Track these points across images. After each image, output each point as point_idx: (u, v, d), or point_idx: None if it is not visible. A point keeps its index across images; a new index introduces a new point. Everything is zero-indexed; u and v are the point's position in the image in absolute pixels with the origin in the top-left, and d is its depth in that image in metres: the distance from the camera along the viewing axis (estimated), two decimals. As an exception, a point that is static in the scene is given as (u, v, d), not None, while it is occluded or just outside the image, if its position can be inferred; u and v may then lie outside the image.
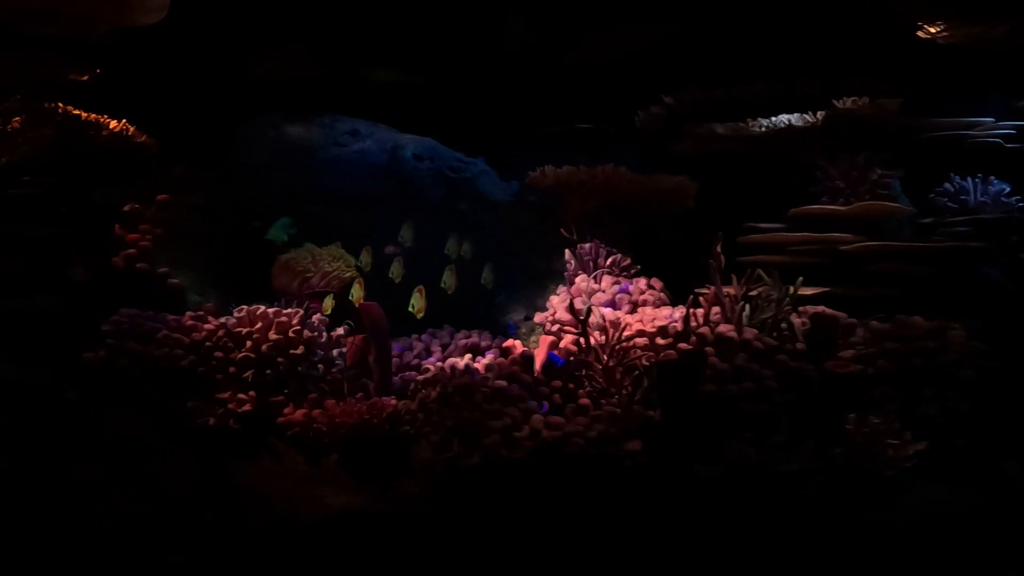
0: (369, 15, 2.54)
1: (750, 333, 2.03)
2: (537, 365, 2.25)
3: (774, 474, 1.77)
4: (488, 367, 2.27)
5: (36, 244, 2.62)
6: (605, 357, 2.18)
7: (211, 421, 2.39)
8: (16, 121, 2.44)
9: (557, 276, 2.89)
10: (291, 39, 2.50)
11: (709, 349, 2.03)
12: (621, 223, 2.78)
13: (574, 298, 2.63)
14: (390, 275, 2.82)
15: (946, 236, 2.30)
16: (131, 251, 2.68)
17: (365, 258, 2.81)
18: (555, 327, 2.63)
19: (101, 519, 2.32)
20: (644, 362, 2.16)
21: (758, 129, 2.40)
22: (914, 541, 1.75)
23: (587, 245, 2.72)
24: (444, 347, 2.72)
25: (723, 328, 2.08)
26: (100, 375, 2.51)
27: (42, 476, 2.36)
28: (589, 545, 1.91)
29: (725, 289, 2.16)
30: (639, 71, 2.92)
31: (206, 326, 2.57)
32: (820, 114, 2.32)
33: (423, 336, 2.81)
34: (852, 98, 2.27)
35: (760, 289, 2.16)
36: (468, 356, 2.45)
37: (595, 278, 2.64)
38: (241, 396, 2.43)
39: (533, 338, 2.81)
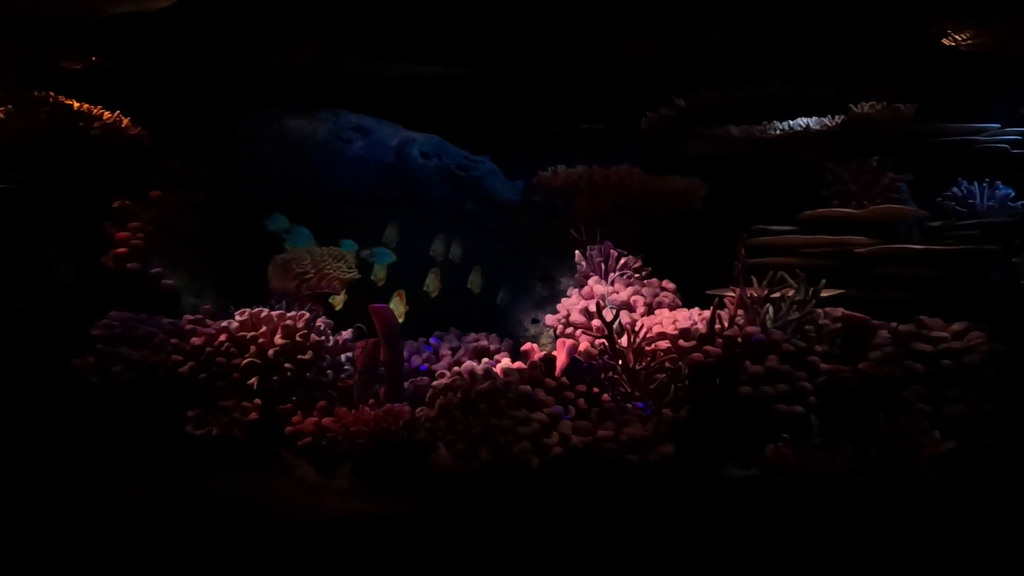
0: (377, 7, 2.45)
1: (779, 335, 2.03)
2: (558, 369, 2.21)
3: (814, 475, 1.77)
4: (507, 371, 2.22)
5: (16, 242, 2.44)
6: (628, 360, 2.15)
7: (214, 431, 2.27)
8: (0, 111, 2.27)
9: (564, 278, 2.85)
10: (303, 29, 2.39)
11: (728, 352, 2.02)
12: (629, 224, 2.76)
13: (587, 301, 2.60)
14: (469, 286, 2.74)
15: (954, 239, 2.35)
16: (121, 250, 2.53)
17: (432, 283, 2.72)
18: (569, 329, 2.60)
19: (91, 533, 2.18)
20: (669, 364, 2.14)
21: (774, 132, 2.42)
22: (947, 539, 1.77)
23: (597, 246, 2.69)
24: (453, 351, 2.65)
25: (751, 330, 2.07)
26: (89, 382, 2.37)
27: (28, 486, 2.21)
28: (622, 551, 1.87)
29: (748, 291, 2.16)
30: (641, 73, 2.91)
31: (206, 330, 2.45)
32: (838, 118, 2.34)
33: (431, 339, 2.73)
34: (870, 103, 2.31)
35: (782, 291, 2.17)
36: (486, 360, 2.39)
37: (608, 280, 2.61)
38: (246, 404, 2.32)
39: (543, 340, 2.77)
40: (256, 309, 2.46)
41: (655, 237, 2.86)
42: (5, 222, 2.45)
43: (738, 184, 2.77)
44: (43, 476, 2.19)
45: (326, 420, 2.27)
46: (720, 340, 2.10)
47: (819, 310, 2.13)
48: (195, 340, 2.41)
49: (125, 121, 2.46)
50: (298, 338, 2.38)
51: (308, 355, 2.35)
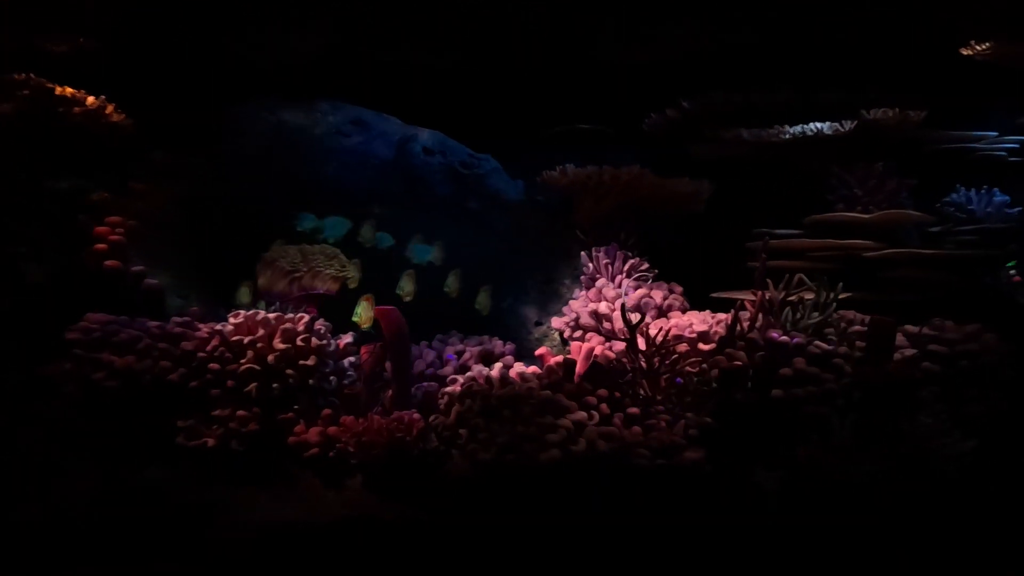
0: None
1: (802, 338, 2.03)
2: (577, 373, 2.15)
3: (846, 476, 1.77)
4: (525, 377, 2.15)
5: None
6: (650, 364, 2.12)
7: (210, 442, 2.11)
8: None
9: (567, 280, 2.80)
10: (298, 15, 2.25)
11: (760, 355, 2.01)
12: (632, 226, 2.73)
13: (596, 303, 2.55)
14: (445, 289, 2.62)
15: (954, 244, 2.41)
16: (100, 246, 2.33)
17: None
18: (578, 333, 2.55)
19: (80, 550, 1.99)
20: (691, 369, 2.11)
21: (786, 136, 2.42)
22: (951, 539, 1.79)
23: (603, 248, 2.64)
24: (458, 354, 2.55)
25: (774, 334, 2.06)
26: (64, 391, 2.17)
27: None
28: (655, 554, 1.82)
29: (764, 294, 2.15)
30: (641, 75, 2.89)
31: (197, 334, 2.28)
32: (850, 123, 2.37)
33: (433, 343, 2.63)
34: (882, 109, 2.35)
35: (799, 294, 2.17)
36: (499, 365, 2.31)
37: (616, 283, 2.57)
38: (243, 413, 2.16)
39: (547, 343, 2.70)
40: (251, 311, 2.31)
41: (656, 239, 2.84)
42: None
43: (739, 187, 2.78)
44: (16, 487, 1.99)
45: (332, 429, 2.15)
46: (742, 344, 2.09)
47: (837, 313, 2.14)
48: (186, 345, 2.24)
49: (110, 107, 2.26)
50: (299, 342, 2.24)
51: (311, 360, 2.21)
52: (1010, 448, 1.87)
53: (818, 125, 2.39)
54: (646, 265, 2.62)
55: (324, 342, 2.31)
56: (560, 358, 2.23)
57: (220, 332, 2.25)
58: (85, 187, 2.30)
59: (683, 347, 2.21)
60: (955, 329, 2.08)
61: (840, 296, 2.36)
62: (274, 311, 2.41)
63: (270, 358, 2.20)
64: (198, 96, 2.44)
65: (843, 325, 2.11)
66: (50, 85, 2.17)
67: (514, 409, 1.97)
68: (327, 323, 2.41)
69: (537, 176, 2.85)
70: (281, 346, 2.23)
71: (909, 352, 2.00)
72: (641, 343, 2.16)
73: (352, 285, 2.56)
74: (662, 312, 2.47)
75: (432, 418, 2.10)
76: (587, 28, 2.71)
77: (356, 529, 1.93)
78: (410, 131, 2.65)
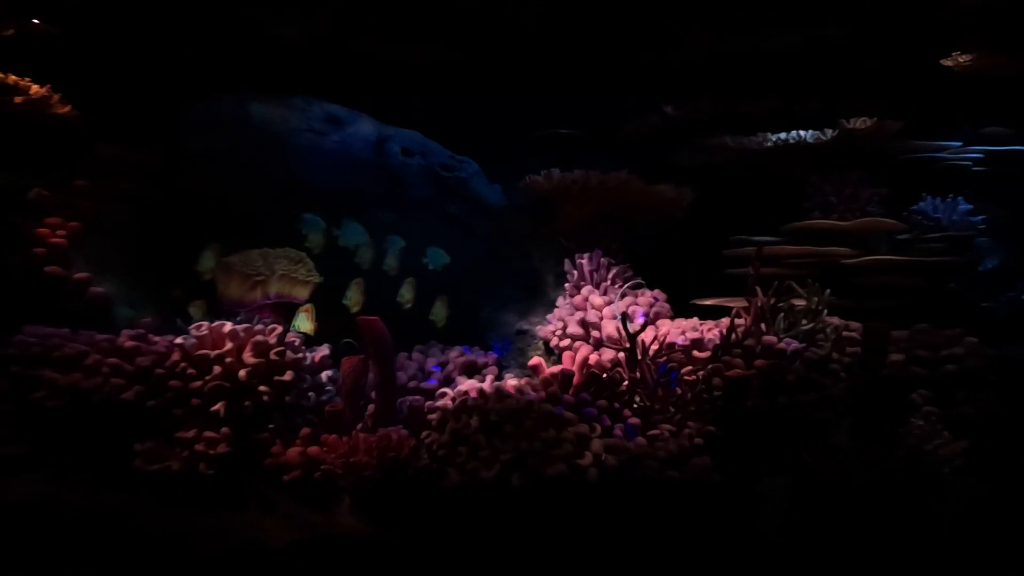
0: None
1: (797, 344, 2.04)
2: (574, 384, 2.08)
3: (848, 479, 1.78)
4: (521, 389, 2.05)
5: None
6: (650, 373, 2.07)
7: (174, 466, 1.90)
8: None
9: (547, 287, 2.72)
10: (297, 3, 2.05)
11: (760, 363, 2.00)
12: (613, 232, 2.69)
13: (584, 312, 2.48)
14: (399, 299, 2.47)
15: (922, 252, 2.50)
16: (39, 250, 2.06)
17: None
18: (566, 341, 2.47)
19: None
20: (690, 377, 2.08)
21: (768, 144, 2.45)
22: (952, 538, 1.83)
23: (587, 255, 2.59)
24: (442, 365, 2.42)
25: (769, 339, 2.06)
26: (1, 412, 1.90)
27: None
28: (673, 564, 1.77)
29: (758, 301, 2.15)
30: (620, 80, 2.87)
31: (154, 348, 2.05)
32: (831, 132, 2.42)
33: (413, 354, 2.48)
34: (861, 118, 2.41)
35: (791, 300, 2.18)
36: (491, 378, 2.20)
37: (601, 290, 2.52)
38: (211, 434, 1.96)
39: (530, 352, 2.61)
40: (216, 323, 2.11)
41: (634, 246, 2.81)
42: None
43: (715, 193, 2.79)
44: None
45: (313, 450, 1.98)
46: (737, 351, 2.07)
47: (828, 319, 2.16)
48: (141, 360, 2.01)
49: (55, 97, 2.00)
50: (273, 356, 2.06)
51: (287, 376, 2.03)
52: (1001, 448, 1.93)
53: (801, 133, 2.43)
54: (629, 272, 2.58)
55: (300, 355, 2.13)
56: (556, 368, 2.16)
57: (181, 346, 2.04)
58: (22, 184, 2.03)
59: (678, 355, 2.18)
60: (943, 334, 2.14)
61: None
62: (240, 322, 2.22)
63: (241, 374, 2.00)
64: (158, 86, 2.21)
65: (829, 331, 2.13)
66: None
67: (516, 424, 1.87)
68: (298, 334, 2.24)
69: (517, 180, 2.77)
70: (253, 360, 2.03)
71: (897, 357, 2.05)
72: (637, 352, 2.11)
73: (354, 308, 2.39)
74: (649, 320, 2.43)
75: (424, 435, 1.96)
76: (570, 33, 2.67)
77: (351, 556, 1.77)
78: (386, 130, 2.51)
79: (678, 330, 2.29)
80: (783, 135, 2.44)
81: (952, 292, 2.48)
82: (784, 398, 1.90)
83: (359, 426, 2.09)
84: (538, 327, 2.55)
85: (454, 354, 2.47)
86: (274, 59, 2.35)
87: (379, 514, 1.84)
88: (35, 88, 1.96)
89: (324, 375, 2.20)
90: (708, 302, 2.58)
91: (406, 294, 2.58)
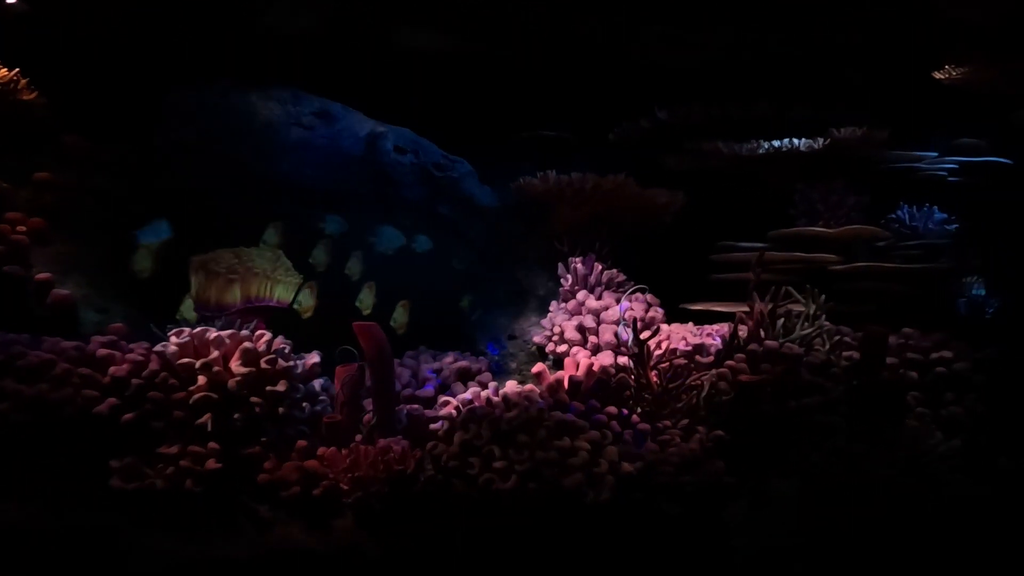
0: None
1: (799, 349, 2.06)
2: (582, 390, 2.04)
3: (862, 478, 1.81)
4: (528, 397, 1.99)
5: None
6: (659, 379, 2.05)
7: (158, 484, 1.73)
8: None
9: (538, 290, 2.67)
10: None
11: (766, 367, 2.01)
12: (606, 236, 2.66)
13: (580, 317, 2.44)
14: (357, 304, 2.35)
15: (900, 259, 2.59)
16: (-5, 249, 1.85)
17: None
18: (563, 347, 2.42)
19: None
20: (696, 381, 2.07)
21: (761, 151, 2.48)
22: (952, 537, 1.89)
23: (581, 259, 2.55)
24: (436, 372, 2.32)
25: (771, 344, 2.07)
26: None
27: None
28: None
29: (760, 306, 2.16)
30: (607, 84, 2.86)
31: (130, 356, 1.88)
32: (822, 140, 2.47)
33: (404, 360, 2.37)
34: (851, 128, 2.47)
35: (789, 305, 2.21)
36: (493, 385, 2.12)
37: (597, 295, 2.49)
38: (196, 449, 1.80)
39: (521, 357, 2.55)
40: (199, 328, 1.95)
41: (622, 250, 2.80)
42: None
43: (702, 199, 2.80)
44: None
45: (311, 464, 1.85)
46: (741, 356, 2.08)
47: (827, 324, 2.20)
48: (116, 370, 1.84)
49: (23, 82, 1.79)
50: (263, 364, 1.92)
51: (281, 386, 1.90)
52: (991, 447, 2.00)
53: (795, 141, 2.47)
54: (622, 276, 2.56)
55: (291, 363, 2.00)
56: (561, 374, 2.10)
57: (161, 354, 1.87)
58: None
59: (681, 360, 2.17)
60: (930, 337, 2.21)
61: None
62: (222, 327, 2.06)
63: (231, 384, 1.85)
64: (134, 74, 2.01)
65: (825, 335, 2.16)
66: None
67: (530, 433, 1.81)
68: (286, 340, 2.10)
69: (500, 182, 2.71)
70: (243, 370, 1.89)
71: (893, 360, 2.10)
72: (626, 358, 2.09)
73: (366, 312, 2.26)
74: (646, 325, 2.42)
75: (430, 446, 1.87)
76: (558, 35, 2.63)
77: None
78: (378, 127, 2.39)
79: (678, 335, 2.28)
80: (776, 143, 2.48)
81: (930, 297, 2.57)
82: (794, 402, 1.91)
83: (358, 438, 1.98)
84: (532, 332, 2.50)
85: (448, 360, 2.39)
86: (261, 51, 2.20)
87: (388, 530, 1.74)
88: (2, 71, 1.75)
89: (317, 384, 2.07)
90: (697, 307, 2.59)
91: (366, 299, 2.47)
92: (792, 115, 2.59)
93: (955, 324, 2.48)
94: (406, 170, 2.38)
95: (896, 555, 1.77)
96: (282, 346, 2.02)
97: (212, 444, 1.81)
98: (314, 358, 2.12)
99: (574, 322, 2.40)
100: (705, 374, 2.06)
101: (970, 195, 2.65)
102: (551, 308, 2.52)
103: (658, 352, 2.14)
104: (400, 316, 2.53)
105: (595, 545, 1.75)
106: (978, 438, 2.02)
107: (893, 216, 2.68)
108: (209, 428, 1.82)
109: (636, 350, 2.04)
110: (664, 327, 2.38)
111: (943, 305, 2.53)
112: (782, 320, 2.17)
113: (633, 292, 2.42)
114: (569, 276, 2.51)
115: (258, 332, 2.01)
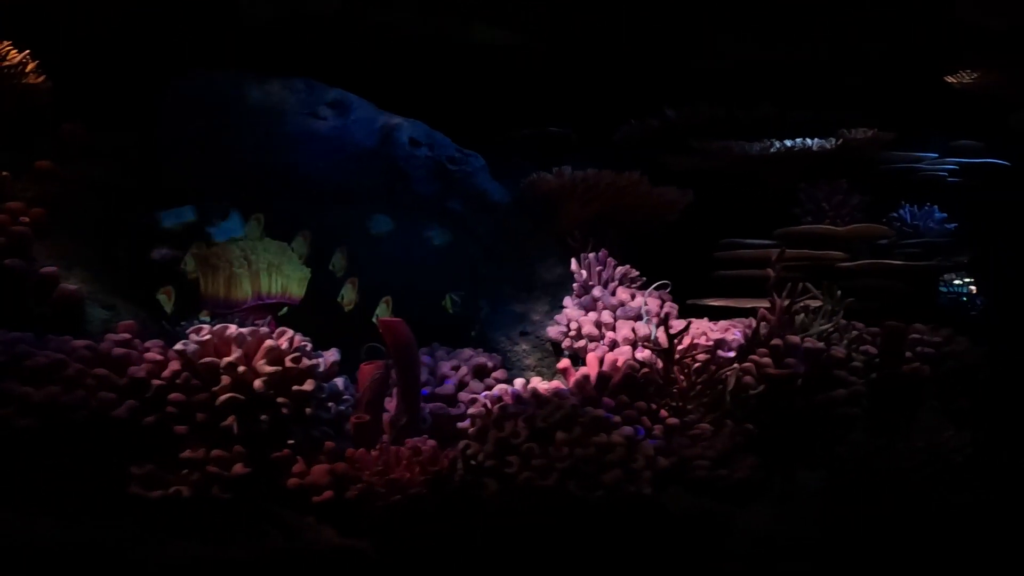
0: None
1: (820, 344, 2.09)
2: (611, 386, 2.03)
3: (886, 471, 1.85)
4: (559, 393, 1.97)
5: None
6: (685, 374, 2.06)
7: (184, 491, 1.65)
8: None
9: (548, 287, 2.64)
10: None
11: (791, 361, 2.04)
12: (615, 232, 2.66)
13: (597, 313, 2.43)
14: (339, 299, 2.30)
15: (902, 257, 2.67)
16: (-4, 241, 1.72)
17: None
18: (580, 343, 2.41)
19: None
20: (721, 376, 2.09)
21: (772, 150, 2.51)
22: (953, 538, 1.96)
23: (593, 254, 2.54)
24: (454, 369, 2.28)
25: (793, 340, 2.10)
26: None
27: None
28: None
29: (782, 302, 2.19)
30: (613, 81, 2.86)
31: (149, 356, 1.79)
32: (834, 141, 2.51)
33: (421, 357, 2.32)
34: (862, 129, 2.52)
35: (806, 301, 2.24)
36: (520, 381, 2.09)
37: (611, 290, 2.48)
38: (220, 453, 1.73)
39: (537, 354, 2.53)
40: (219, 326, 1.87)
41: (628, 246, 2.80)
42: None
43: (707, 197, 2.83)
44: None
45: (340, 466, 1.79)
46: (763, 350, 2.11)
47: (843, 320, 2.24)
48: (135, 370, 1.75)
49: (31, 65, 1.67)
50: (289, 363, 1.85)
51: (308, 385, 1.83)
52: (998, 439, 2.08)
53: (807, 141, 2.52)
54: (635, 272, 2.56)
55: (315, 362, 1.93)
56: (586, 370, 2.09)
57: (183, 353, 1.79)
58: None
59: (703, 356, 2.18)
60: (940, 333, 2.29)
61: (817, 304, 2.49)
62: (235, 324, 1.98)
63: (257, 384, 1.78)
64: (140, 60, 1.90)
65: (842, 331, 2.21)
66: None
67: (567, 430, 1.79)
68: (304, 337, 2.03)
69: (503, 179, 2.68)
70: (269, 369, 1.81)
71: (910, 354, 2.16)
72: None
73: (348, 308, 2.20)
74: (662, 320, 2.42)
75: (463, 445, 1.84)
76: (562, 34, 2.62)
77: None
78: (392, 119, 2.32)
79: (698, 330, 2.29)
80: (788, 142, 2.52)
81: (929, 294, 2.66)
82: (821, 395, 1.95)
83: (384, 438, 1.93)
84: (548, 328, 2.48)
85: (465, 356, 2.35)
86: (272, 40, 2.11)
87: (429, 532, 1.70)
88: (13, 53, 1.63)
89: (340, 382, 2.01)
90: (717, 303, 2.61)
91: (348, 295, 2.42)
92: (793, 116, 2.64)
93: (951, 321, 2.58)
94: (419, 163, 2.32)
95: (918, 547, 1.82)
96: (303, 343, 1.96)
97: (238, 447, 1.74)
98: (334, 355, 2.05)
99: (591, 317, 2.39)
100: (729, 368, 2.08)
101: (969, 195, 2.74)
102: (565, 304, 2.51)
103: (681, 347, 2.16)
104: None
105: (633, 541, 1.75)
106: (984, 430, 2.10)
107: (895, 215, 2.76)
108: (235, 431, 1.75)
109: (665, 345, 2.05)
110: (680, 323, 2.39)
111: (937, 302, 2.62)
112: (800, 316, 2.22)
113: (656, 288, 2.42)
114: (583, 272, 2.50)
115: (279, 329, 1.94)
